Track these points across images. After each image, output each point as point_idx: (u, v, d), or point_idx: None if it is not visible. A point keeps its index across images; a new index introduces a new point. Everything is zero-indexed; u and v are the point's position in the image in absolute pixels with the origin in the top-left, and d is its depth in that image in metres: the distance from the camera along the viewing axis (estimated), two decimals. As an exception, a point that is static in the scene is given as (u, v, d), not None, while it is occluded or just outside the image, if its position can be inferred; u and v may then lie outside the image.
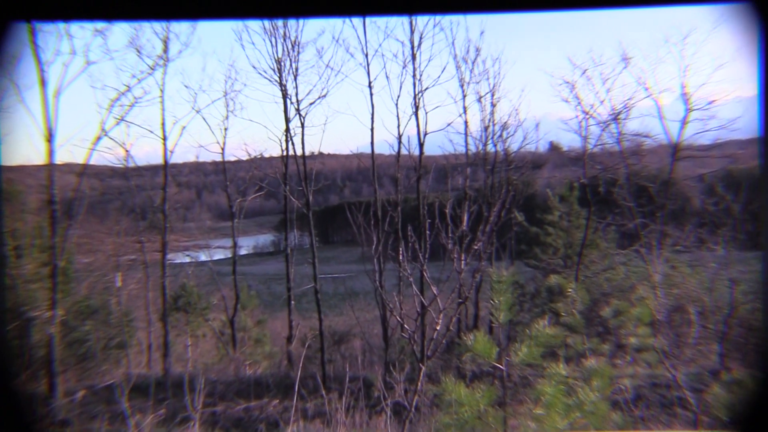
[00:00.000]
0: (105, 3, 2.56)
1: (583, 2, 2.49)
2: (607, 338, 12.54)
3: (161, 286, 22.80)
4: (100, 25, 17.73)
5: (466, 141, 25.02)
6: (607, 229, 25.73)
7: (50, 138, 17.11)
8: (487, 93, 24.67)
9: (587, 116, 25.07)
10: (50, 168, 17.18)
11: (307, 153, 23.90)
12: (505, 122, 25.18)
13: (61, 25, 17.10)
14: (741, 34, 2.34)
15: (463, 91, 24.62)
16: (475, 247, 11.54)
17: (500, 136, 25.09)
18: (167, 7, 2.62)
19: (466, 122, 24.80)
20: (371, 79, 22.43)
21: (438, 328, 9.84)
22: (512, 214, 24.92)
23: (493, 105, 24.87)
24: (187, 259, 35.45)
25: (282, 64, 22.11)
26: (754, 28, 2.32)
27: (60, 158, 19.29)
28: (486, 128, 24.92)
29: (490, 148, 25.28)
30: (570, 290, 13.88)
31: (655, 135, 25.11)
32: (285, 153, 23.17)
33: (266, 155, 26.74)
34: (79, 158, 20.86)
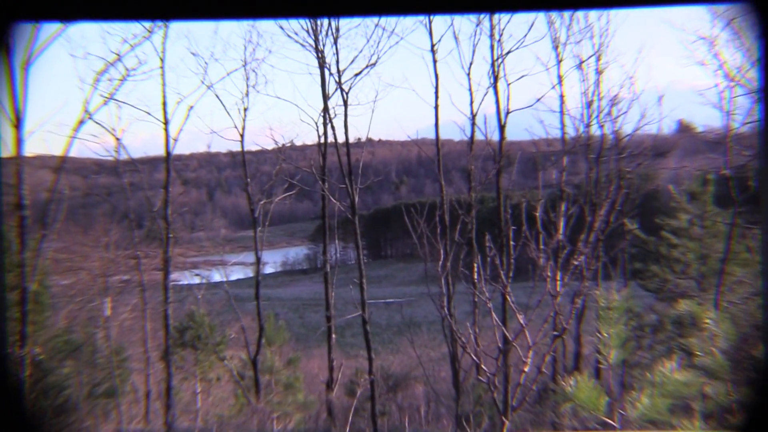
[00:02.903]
0: (105, 3, 2.97)
1: (584, 2, 3.42)
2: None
3: (163, 315, 23.11)
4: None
5: (562, 121, 24.77)
6: (760, 237, 25.04)
7: (18, 123, 17.25)
8: (590, 56, 24.37)
9: (732, 84, 24.44)
10: (18, 161, 17.29)
11: (351, 139, 24.02)
12: (616, 95, 24.79)
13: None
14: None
15: (557, 55, 24.39)
16: (576, 263, 11.37)
17: (608, 114, 24.73)
18: (168, 7, 3.03)
19: (561, 96, 24.56)
20: (434, 42, 22.44)
21: (526, 369, 9.73)
22: (625, 219, 24.51)
23: (598, 72, 24.54)
24: (197, 280, 36.02)
25: (318, 23, 22.26)
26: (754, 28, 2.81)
27: (31, 149, 19.66)
28: (589, 104, 24.61)
29: (594, 130, 24.96)
30: (708, 321, 13.53)
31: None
32: (323, 140, 23.34)
33: (298, 143, 26.89)
34: (56, 149, 21.15)
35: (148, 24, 21.15)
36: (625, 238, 26.37)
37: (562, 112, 24.69)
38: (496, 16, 22.25)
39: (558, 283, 10.19)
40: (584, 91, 24.82)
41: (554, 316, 12.22)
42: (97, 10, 2.99)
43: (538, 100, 24.75)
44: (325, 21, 22.25)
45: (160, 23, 20.98)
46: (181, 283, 36.56)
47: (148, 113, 22.90)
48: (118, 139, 23.07)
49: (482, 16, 22.01)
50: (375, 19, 22.35)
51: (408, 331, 31.94)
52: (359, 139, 29.71)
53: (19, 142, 17.22)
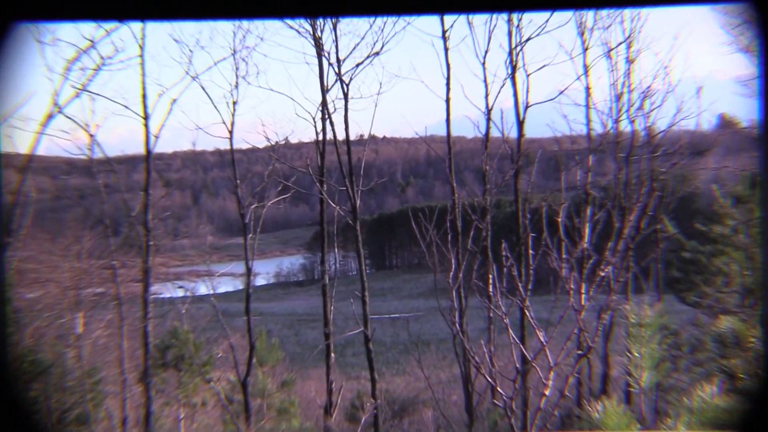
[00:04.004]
0: (105, 3, 3.16)
1: (584, 2, 4.08)
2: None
3: (142, 333, 23.13)
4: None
5: (587, 116, 24.78)
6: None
7: (-21, 117, 17.38)
8: (620, 44, 24.36)
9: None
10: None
11: (352, 137, 24.02)
12: (648, 87, 24.77)
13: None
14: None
15: (583, 42, 24.39)
16: (603, 274, 11.36)
17: (640, 107, 24.71)
18: (169, 6, 3.21)
19: (587, 88, 24.56)
20: (446, 27, 22.44)
21: (547, 393, 9.71)
22: (659, 225, 24.46)
23: (629, 61, 24.53)
24: (180, 293, 36.08)
25: (315, 6, 22.27)
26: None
27: None
28: (618, 97, 24.59)
29: (624, 126, 24.94)
30: (752, 340, 13.50)
31: None
32: (321, 137, 23.36)
33: (294, 140, 26.91)
34: (22, 146, 21.10)
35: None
36: (659, 246, 26.28)
37: (587, 106, 24.70)
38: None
39: (583, 296, 10.17)
40: (613, 82, 24.81)
41: (578, 334, 12.21)
42: (87, 10, 3.11)
43: (561, 92, 24.73)
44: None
45: (154, 22, 21.01)
46: (162, 296, 36.51)
47: (126, 107, 22.89)
48: (91, 135, 23.06)
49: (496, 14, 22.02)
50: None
51: (415, 350, 31.96)
52: (361, 136, 29.72)
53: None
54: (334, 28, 22.64)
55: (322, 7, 3.47)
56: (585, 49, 24.18)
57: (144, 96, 22.70)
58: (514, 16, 22.34)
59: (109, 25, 20.92)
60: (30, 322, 25.28)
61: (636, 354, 6.74)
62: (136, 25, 22.79)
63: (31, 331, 25.02)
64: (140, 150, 23.43)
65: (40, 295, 27.78)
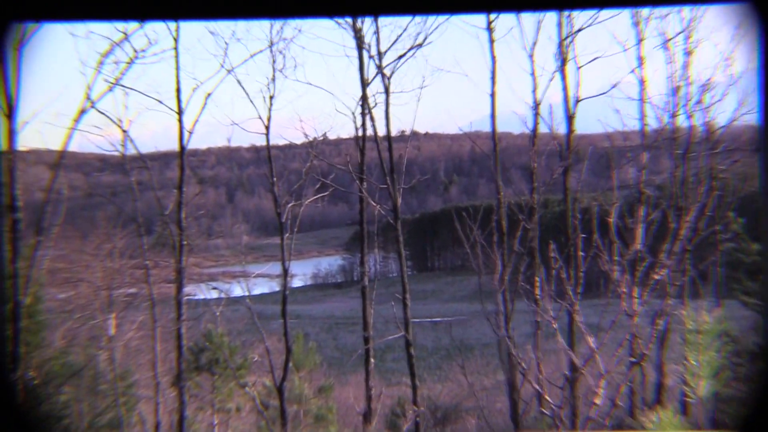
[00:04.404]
0: (105, 2, 3.21)
1: (584, 2, 4.26)
2: None
3: (175, 335, 23.22)
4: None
5: (642, 111, 24.51)
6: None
7: (10, 112, 17.39)
8: (678, 34, 24.05)
9: None
10: (11, 157, 17.45)
11: (394, 133, 23.99)
12: (708, 80, 24.44)
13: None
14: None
15: (638, 33, 24.14)
16: (657, 277, 11.23)
17: (699, 101, 24.40)
18: (170, 6, 3.30)
19: (642, 81, 24.30)
20: (491, 18, 22.31)
21: (598, 402, 9.62)
22: (719, 225, 24.14)
23: (687, 53, 24.21)
24: (214, 294, 36.24)
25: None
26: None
27: (25, 142, 19.56)
28: (675, 90, 24.31)
29: (681, 121, 24.65)
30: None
31: None
32: (361, 133, 23.34)
33: (332, 136, 26.87)
34: (54, 142, 21.24)
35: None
36: (720, 248, 25.91)
37: (642, 100, 24.42)
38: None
39: (636, 300, 10.06)
40: (670, 74, 24.51)
41: (631, 340, 12.09)
42: (103, 9, 3.14)
43: (614, 86, 24.47)
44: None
45: (169, 23, 21.10)
46: (196, 297, 36.83)
47: (160, 101, 22.93)
48: (124, 131, 23.16)
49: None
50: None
51: (458, 356, 31.88)
52: (403, 132, 29.71)
53: (11, 134, 17.32)
54: (376, 20, 22.60)
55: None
56: (640, 40, 23.93)
57: (178, 90, 22.74)
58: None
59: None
60: (61, 323, 25.53)
61: (693, 362, 6.65)
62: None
63: (63, 333, 25.27)
64: (174, 146, 23.53)
65: (72, 295, 28.07)
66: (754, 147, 27.02)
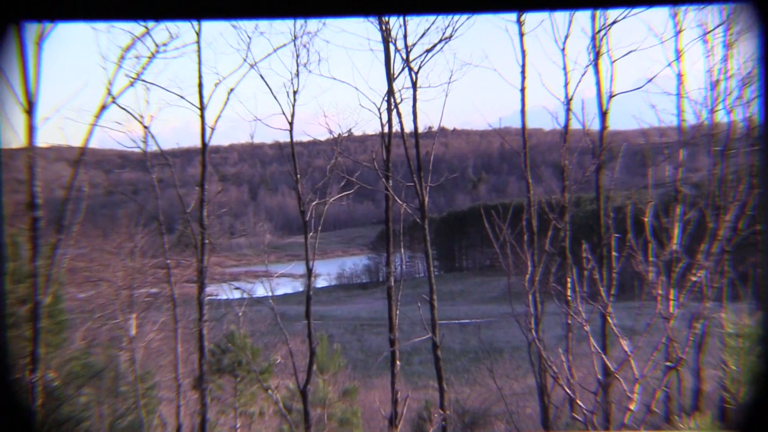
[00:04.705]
0: (105, 2, 3.29)
1: (584, 2, 4.30)
2: None
3: (197, 336, 23.33)
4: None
5: (679, 106, 24.35)
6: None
7: (30, 108, 17.48)
8: (718, 25, 23.85)
9: None
10: (30, 153, 17.54)
11: (421, 129, 23.96)
12: (749, 73, 24.22)
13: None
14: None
15: (675, 24, 23.98)
16: (695, 279, 11.18)
17: (739, 96, 24.20)
18: (171, 6, 3.35)
19: (680, 75, 24.14)
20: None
21: (633, 407, 9.58)
22: (760, 225, 23.96)
23: (727, 45, 24.02)
24: (237, 294, 36.37)
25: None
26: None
27: (45, 139, 19.60)
28: (715, 84, 24.12)
29: (720, 116, 24.47)
30: None
31: None
32: (387, 129, 23.34)
33: (357, 133, 26.88)
34: (74, 138, 21.31)
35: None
36: (760, 249, 25.72)
37: (679, 95, 24.26)
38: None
39: (672, 303, 10.01)
40: (709, 68, 24.31)
41: (667, 344, 12.03)
42: (97, 10, 3.19)
43: (650, 80, 24.25)
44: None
45: (181, 23, 21.22)
46: (218, 297, 36.92)
47: (182, 97, 23.05)
48: (146, 127, 23.32)
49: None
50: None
51: (487, 358, 31.83)
52: (430, 128, 29.69)
53: (31, 130, 17.41)
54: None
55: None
56: (677, 32, 23.74)
57: (200, 85, 22.85)
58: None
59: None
60: (82, 324, 25.69)
61: (732, 367, 6.61)
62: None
63: (83, 333, 25.44)
64: (195, 143, 23.67)
65: (92, 294, 28.26)
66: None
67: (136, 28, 21.14)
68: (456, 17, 23.12)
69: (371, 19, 22.62)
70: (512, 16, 22.49)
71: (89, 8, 3.23)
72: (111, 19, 3.77)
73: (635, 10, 22.20)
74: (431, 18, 22.90)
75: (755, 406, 4.10)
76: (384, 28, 22.60)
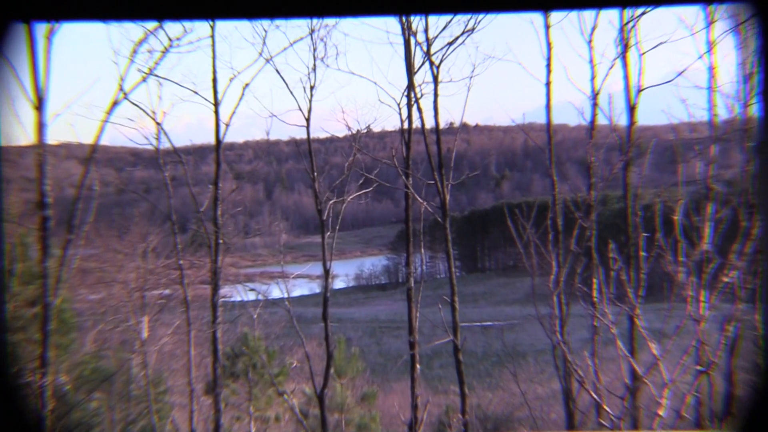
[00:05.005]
0: (106, 2, 3.36)
1: (584, 2, 4.32)
2: None
3: (211, 339, 23.37)
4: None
5: (711, 100, 24.18)
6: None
7: (40, 104, 17.47)
8: (752, 15, 23.65)
9: None
10: (40, 151, 17.58)
11: (442, 125, 23.88)
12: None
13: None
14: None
15: (707, 15, 23.82)
16: (727, 280, 11.09)
17: (775, 89, 24.02)
18: (171, 6, 3.43)
19: (711, 68, 23.96)
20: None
21: (662, 413, 9.52)
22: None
23: (762, 36, 23.84)
24: (252, 296, 36.44)
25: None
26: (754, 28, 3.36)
27: (55, 136, 19.60)
28: (748, 77, 23.97)
29: (754, 110, 24.31)
30: None
31: None
32: (407, 125, 23.30)
33: (376, 129, 26.82)
34: (85, 135, 21.35)
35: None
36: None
37: (711, 89, 24.09)
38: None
39: (703, 304, 9.93)
40: (742, 60, 24.16)
41: (698, 347, 11.95)
42: (98, 9, 3.20)
43: (680, 73, 24.07)
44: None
45: (186, 23, 21.25)
46: (232, 299, 37.00)
47: (195, 92, 23.03)
48: (158, 123, 23.33)
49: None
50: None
51: (510, 362, 31.82)
52: (452, 124, 29.62)
53: (40, 126, 17.42)
54: (423, 5, 22.51)
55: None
56: (709, 23, 23.54)
57: (214, 80, 22.85)
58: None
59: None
60: (93, 326, 25.77)
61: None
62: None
63: (94, 336, 25.53)
64: (209, 139, 23.65)
65: (103, 296, 28.35)
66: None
67: (148, 22, 21.20)
68: (479, 9, 23.01)
69: (391, 11, 22.58)
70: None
71: (99, 8, 3.25)
72: (122, 19, 3.89)
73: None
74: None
75: (755, 406, 4.17)
76: (404, 20, 22.55)
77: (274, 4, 3.35)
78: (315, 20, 22.87)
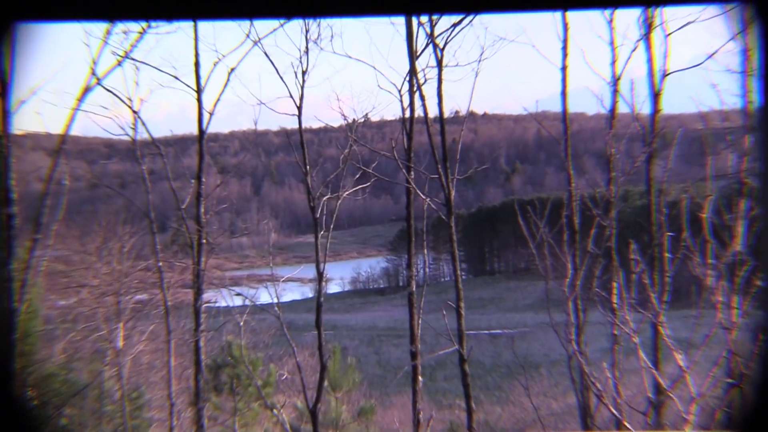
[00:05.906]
0: (106, 2, 3.50)
1: (584, 2, 4.27)
2: None
3: (193, 348, 23.38)
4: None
5: (744, 86, 24.13)
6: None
7: (4, 90, 17.57)
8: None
9: None
10: (4, 141, 17.60)
11: (447, 113, 23.89)
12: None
13: None
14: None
15: (739, -8, 23.81)
16: (761, 285, 11.07)
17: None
18: (172, 6, 3.55)
19: (745, 51, 23.88)
20: (563, -24, 22.15)
21: (688, 430, 9.49)
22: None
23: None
24: (238, 301, 36.43)
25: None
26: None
27: (21, 124, 19.56)
28: (788, 59, 23.96)
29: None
30: None
31: None
32: (408, 114, 23.29)
33: (375, 118, 26.82)
34: (54, 125, 21.34)
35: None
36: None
37: (745, 73, 24.00)
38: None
39: (735, 311, 9.91)
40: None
41: (729, 358, 11.93)
42: (98, 9, 3.23)
43: (710, 56, 23.95)
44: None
45: (176, 23, 21.26)
46: (217, 305, 37.05)
47: (176, 78, 23.01)
48: (135, 112, 23.29)
49: None
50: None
51: (522, 374, 31.79)
52: (457, 112, 29.61)
53: (5, 115, 17.38)
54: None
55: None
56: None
57: (197, 65, 22.82)
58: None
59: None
60: (62, 335, 25.74)
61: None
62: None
63: (64, 345, 25.50)
64: (192, 129, 23.68)
65: (74, 302, 28.31)
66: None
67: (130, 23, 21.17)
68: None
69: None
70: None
71: (80, 6, 3.28)
72: (106, 19, 3.95)
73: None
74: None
75: (755, 406, 4.35)
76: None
77: (267, 2, 3.38)
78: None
